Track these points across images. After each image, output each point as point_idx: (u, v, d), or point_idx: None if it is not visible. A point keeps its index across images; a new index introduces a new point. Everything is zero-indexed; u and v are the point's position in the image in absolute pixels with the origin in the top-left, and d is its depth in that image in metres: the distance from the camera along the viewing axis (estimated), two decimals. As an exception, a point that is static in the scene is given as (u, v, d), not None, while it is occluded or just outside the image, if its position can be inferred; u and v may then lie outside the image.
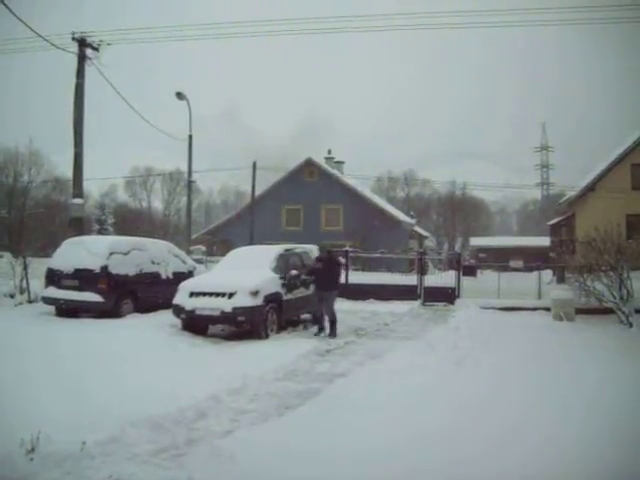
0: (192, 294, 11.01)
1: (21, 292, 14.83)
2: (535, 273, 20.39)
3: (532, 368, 8.17)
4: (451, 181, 69.65)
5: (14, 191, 48.51)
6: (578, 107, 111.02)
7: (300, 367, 8.50)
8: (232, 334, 11.32)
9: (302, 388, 7.21)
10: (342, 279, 12.53)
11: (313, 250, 13.96)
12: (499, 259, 36.22)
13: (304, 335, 11.64)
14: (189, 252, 21.89)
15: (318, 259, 12.22)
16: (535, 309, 16.46)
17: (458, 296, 19.18)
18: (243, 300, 10.62)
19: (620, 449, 4.78)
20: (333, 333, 11.41)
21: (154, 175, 68.09)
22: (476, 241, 63.09)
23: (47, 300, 12.71)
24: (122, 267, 12.60)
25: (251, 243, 26.34)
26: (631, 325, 13.17)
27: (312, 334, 11.52)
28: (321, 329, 11.54)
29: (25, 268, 15.09)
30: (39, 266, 14.99)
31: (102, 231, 49.61)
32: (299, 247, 13.83)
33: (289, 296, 11.84)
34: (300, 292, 12.30)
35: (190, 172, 24.52)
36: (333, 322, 11.54)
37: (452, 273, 20.67)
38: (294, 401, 6.53)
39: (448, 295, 19.08)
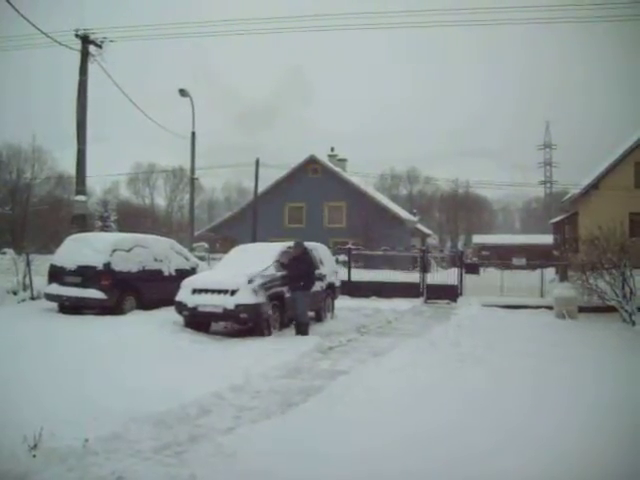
0: (195, 291, 11.00)
1: (24, 289, 14.86)
2: (538, 271, 20.40)
3: (534, 366, 8.15)
4: (454, 179, 69.60)
5: (17, 188, 48.54)
6: (581, 104, 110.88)
7: (302, 364, 8.50)
8: (234, 331, 11.33)
9: (304, 385, 7.21)
10: (313, 278, 11.73)
11: (317, 248, 13.91)
12: (502, 257, 36.13)
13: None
14: (192, 249, 21.90)
15: (291, 257, 11.51)
16: (538, 307, 16.47)
17: (461, 294, 19.20)
18: (246, 297, 10.61)
19: (622, 448, 4.78)
20: (304, 333, 11.06)
21: (157, 172, 68.25)
22: (479, 239, 63.02)
23: (50, 297, 12.73)
24: (125, 264, 12.61)
25: (254, 240, 26.32)
26: (634, 323, 13.15)
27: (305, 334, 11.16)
28: (299, 331, 11.13)
29: (28, 265, 15.14)
30: (42, 263, 15.05)
31: (105, 228, 49.74)
32: (302, 244, 13.78)
33: (292, 293, 11.79)
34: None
35: (193, 169, 24.51)
36: (306, 324, 11.19)
37: (455, 271, 20.70)
38: (296, 398, 6.53)
39: (451, 293, 19.11)
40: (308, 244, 13.34)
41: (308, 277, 11.38)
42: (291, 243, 12.50)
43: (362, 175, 43.28)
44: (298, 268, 11.22)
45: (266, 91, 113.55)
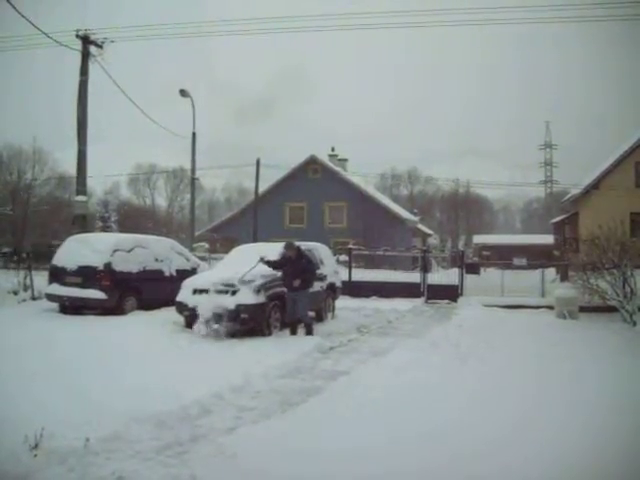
0: (195, 291, 11.00)
1: (25, 289, 14.87)
2: (539, 271, 20.37)
3: (535, 366, 8.15)
4: (455, 179, 69.50)
5: (18, 188, 48.56)
6: (581, 104, 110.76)
7: (303, 364, 8.49)
8: (235, 331, 11.30)
9: (305, 385, 7.21)
10: (313, 277, 11.54)
11: (318, 248, 13.88)
12: (502, 257, 36.12)
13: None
14: (192, 249, 21.90)
15: (285, 258, 11.15)
16: (538, 307, 16.46)
17: (461, 294, 19.18)
18: (246, 297, 10.61)
19: (622, 448, 4.78)
20: (309, 332, 10.98)
21: (157, 172, 68.24)
22: (479, 239, 62.94)
23: (50, 297, 12.73)
24: (125, 264, 12.61)
25: (255, 240, 26.31)
26: (635, 323, 13.13)
27: (310, 334, 11.05)
28: (294, 331, 11.02)
29: (28, 265, 15.14)
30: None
31: (105, 228, 49.83)
32: (303, 244, 13.75)
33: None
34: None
35: (193, 169, 24.52)
36: (309, 325, 11.08)
37: (455, 271, 20.70)
38: (297, 398, 6.53)
39: (451, 293, 19.09)
40: (308, 244, 13.35)
41: (306, 277, 11.22)
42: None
43: (363, 175, 43.25)
44: (296, 269, 11.05)
45: (267, 91, 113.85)
